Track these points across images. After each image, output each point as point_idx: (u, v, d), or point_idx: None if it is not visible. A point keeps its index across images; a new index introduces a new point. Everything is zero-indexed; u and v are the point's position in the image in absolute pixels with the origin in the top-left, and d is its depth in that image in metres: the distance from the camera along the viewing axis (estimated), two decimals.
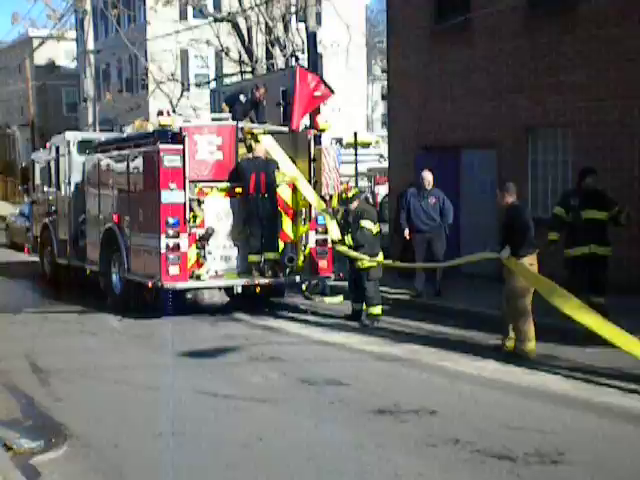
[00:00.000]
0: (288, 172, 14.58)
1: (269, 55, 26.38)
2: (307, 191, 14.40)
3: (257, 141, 14.85)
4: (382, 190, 28.37)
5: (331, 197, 14.74)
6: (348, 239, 13.53)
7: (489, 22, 16.84)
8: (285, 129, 15.22)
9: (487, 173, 16.86)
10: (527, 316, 10.85)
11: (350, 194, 13.90)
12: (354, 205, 13.70)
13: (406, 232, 15.12)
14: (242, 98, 15.94)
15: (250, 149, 14.91)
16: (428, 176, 15.14)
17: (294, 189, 14.72)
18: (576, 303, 10.11)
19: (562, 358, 10.66)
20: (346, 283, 14.71)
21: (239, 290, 14.41)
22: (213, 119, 15.25)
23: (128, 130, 17.47)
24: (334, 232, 13.92)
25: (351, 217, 13.65)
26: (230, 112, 15.76)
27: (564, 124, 15.56)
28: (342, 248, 13.66)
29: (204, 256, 14.23)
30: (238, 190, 14.51)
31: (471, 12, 17.23)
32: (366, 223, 13.43)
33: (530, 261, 10.86)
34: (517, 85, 16.40)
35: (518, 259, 10.74)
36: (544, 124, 16.01)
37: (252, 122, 15.42)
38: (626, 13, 14.36)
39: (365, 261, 13.33)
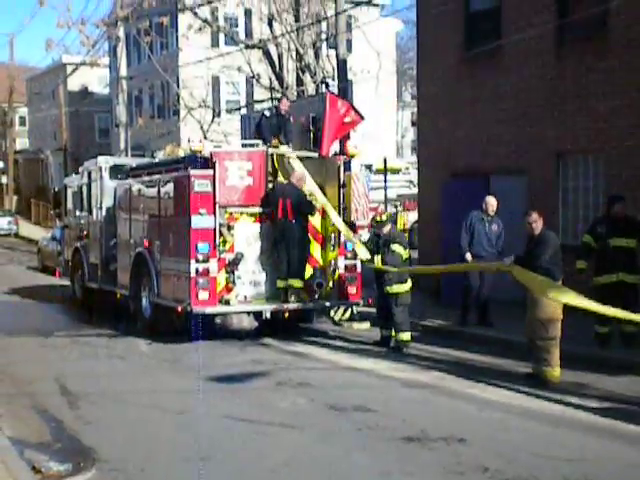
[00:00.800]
0: (318, 198, 14.61)
1: (299, 81, 26.53)
2: (336, 218, 14.42)
3: (290, 165, 14.89)
4: (412, 216, 28.39)
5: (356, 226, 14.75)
6: (377, 260, 13.49)
7: (519, 48, 16.84)
8: (315, 155, 15.27)
9: (517, 200, 16.78)
10: (554, 342, 10.81)
11: (384, 217, 13.91)
12: (386, 229, 13.69)
13: (468, 256, 14.56)
14: (267, 113, 16.06)
15: (276, 174, 14.97)
16: (492, 201, 14.78)
17: (323, 214, 14.76)
18: (573, 294, 9.95)
19: (592, 386, 10.56)
20: (374, 309, 14.68)
21: (268, 315, 14.43)
22: (243, 145, 15.36)
23: (159, 155, 17.63)
24: (362, 253, 13.88)
25: (382, 241, 13.65)
26: (257, 132, 15.87)
27: (595, 150, 15.49)
28: (372, 265, 13.59)
29: (233, 281, 14.28)
30: (267, 215, 14.58)
31: (501, 38, 17.25)
32: (397, 247, 13.43)
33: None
34: (547, 111, 16.36)
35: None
36: (575, 150, 15.95)
37: (280, 143, 15.45)
38: None
39: (394, 286, 13.30)
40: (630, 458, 7.84)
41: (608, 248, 12.20)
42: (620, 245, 12.19)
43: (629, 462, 7.71)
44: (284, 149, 15.28)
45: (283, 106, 15.99)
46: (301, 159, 15.25)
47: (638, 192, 14.35)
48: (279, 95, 26.90)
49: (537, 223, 11.28)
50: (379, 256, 13.53)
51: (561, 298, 10.07)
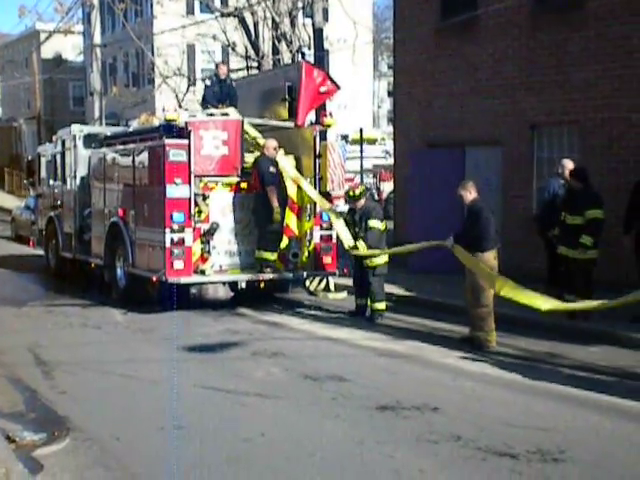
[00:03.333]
0: (289, 172, 14.53)
1: (275, 50, 26.34)
2: (311, 191, 14.40)
3: (259, 145, 14.90)
4: (387, 187, 28.42)
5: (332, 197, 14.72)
6: (360, 244, 13.45)
7: (495, 19, 16.82)
8: (291, 125, 15.21)
9: (492, 170, 16.84)
10: (487, 310, 11.21)
11: (357, 192, 13.88)
12: (360, 203, 13.67)
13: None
14: (208, 82, 16.11)
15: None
16: (570, 165, 13.28)
17: (299, 185, 14.72)
18: (511, 285, 10.40)
19: (565, 357, 10.67)
20: (350, 279, 14.72)
21: (243, 285, 14.45)
22: (208, 114, 15.25)
23: (134, 124, 17.50)
24: (346, 239, 13.76)
25: (358, 215, 13.64)
26: (203, 103, 15.94)
27: (570, 121, 15.53)
28: (360, 252, 13.54)
29: (208, 251, 14.26)
30: (243, 185, 14.54)
31: (478, 9, 17.20)
32: (374, 223, 13.42)
33: (493, 255, 11.27)
34: (523, 82, 16.37)
35: (481, 253, 11.17)
36: (550, 121, 15.98)
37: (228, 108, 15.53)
38: (633, 10, 14.32)
39: (376, 259, 13.33)
40: (603, 428, 7.92)
41: (562, 222, 12.49)
42: (563, 220, 12.42)
43: (602, 432, 7.79)
44: (259, 120, 15.25)
45: (222, 71, 16.16)
46: (277, 129, 15.22)
47: (613, 163, 14.44)
48: (255, 64, 26.76)
49: (466, 194, 11.55)
50: (360, 239, 13.45)
51: (499, 291, 10.57)
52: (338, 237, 14.68)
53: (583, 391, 9.12)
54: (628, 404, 8.64)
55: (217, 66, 16.75)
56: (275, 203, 13.95)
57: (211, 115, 15.15)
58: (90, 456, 7.22)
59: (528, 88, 16.26)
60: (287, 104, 15.40)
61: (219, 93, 15.69)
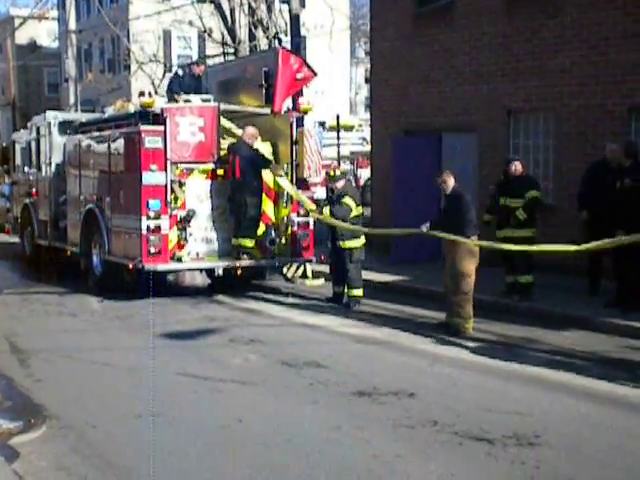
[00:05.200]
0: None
1: (252, 37, 26.19)
2: (285, 182, 14.42)
3: (234, 135, 14.86)
4: (365, 173, 28.40)
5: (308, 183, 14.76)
6: (326, 211, 13.47)
7: (471, 5, 16.83)
8: (267, 111, 15.17)
9: (468, 157, 16.88)
10: (467, 297, 11.28)
11: (337, 172, 13.92)
12: (339, 184, 13.66)
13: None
14: (180, 72, 16.04)
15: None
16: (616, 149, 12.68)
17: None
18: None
19: (542, 342, 10.74)
20: (327, 266, 14.73)
21: (220, 272, 14.40)
22: (185, 100, 15.18)
23: (109, 111, 17.38)
24: (307, 203, 13.90)
25: (335, 196, 13.64)
26: (168, 90, 15.91)
27: (546, 108, 15.59)
28: (318, 215, 13.61)
29: (185, 238, 14.22)
30: (220, 172, 14.49)
31: None
32: (347, 200, 13.42)
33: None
34: (499, 69, 16.40)
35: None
36: (526, 108, 16.02)
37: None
38: None
39: (347, 241, 13.34)
40: (578, 411, 7.99)
41: (499, 206, 13.08)
42: (504, 204, 12.95)
43: (577, 416, 7.86)
44: (235, 107, 15.20)
45: (197, 69, 16.10)
46: (254, 115, 15.18)
47: (588, 150, 14.49)
48: (231, 50, 26.64)
49: (447, 182, 11.66)
50: (328, 207, 13.51)
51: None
52: (315, 223, 14.71)
53: (558, 375, 9.20)
54: (602, 388, 8.72)
55: (195, 63, 16.63)
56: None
57: (188, 102, 15.08)
58: (67, 444, 7.21)
59: (504, 74, 16.29)
60: (264, 90, 15.34)
61: (186, 85, 15.66)
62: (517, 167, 13.05)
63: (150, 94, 14.75)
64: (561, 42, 15.10)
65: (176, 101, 15.10)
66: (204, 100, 15.26)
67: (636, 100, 13.96)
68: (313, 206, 13.89)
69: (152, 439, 7.16)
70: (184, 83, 15.71)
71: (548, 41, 15.36)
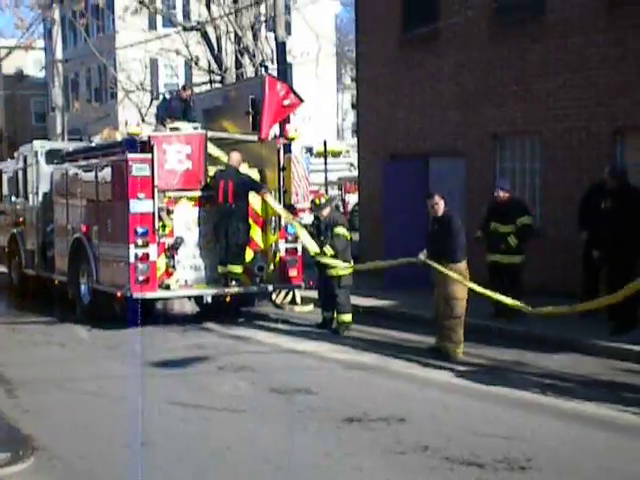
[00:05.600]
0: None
1: (238, 64, 26.30)
2: (275, 204, 14.40)
3: (221, 163, 14.90)
4: (352, 198, 28.47)
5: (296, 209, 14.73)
6: (328, 249, 13.42)
7: (457, 31, 16.94)
8: (254, 138, 15.20)
9: (455, 181, 16.92)
10: (458, 321, 11.26)
11: (322, 200, 13.92)
12: (326, 212, 13.68)
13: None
14: (167, 96, 16.14)
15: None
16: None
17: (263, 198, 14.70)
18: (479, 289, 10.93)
19: (530, 365, 10.73)
20: (316, 292, 14.70)
21: (209, 300, 14.36)
22: (171, 129, 15.20)
23: (96, 139, 17.41)
24: (311, 246, 13.76)
25: (323, 225, 13.64)
26: (156, 115, 16.05)
27: (531, 132, 15.67)
28: (324, 259, 13.48)
29: (173, 266, 14.19)
30: (207, 199, 14.49)
31: (439, 21, 17.32)
32: (340, 229, 13.43)
33: (464, 266, 11.40)
34: (485, 93, 16.50)
35: (454, 264, 11.24)
36: (512, 132, 16.11)
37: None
38: (590, 21, 14.48)
39: (340, 269, 13.30)
40: (568, 435, 7.98)
41: (489, 231, 13.24)
42: (494, 229, 13.12)
43: (567, 439, 7.84)
44: (223, 135, 15.24)
45: (184, 93, 16.31)
46: (241, 142, 15.21)
47: (574, 173, 14.57)
48: (218, 78, 26.73)
49: (439, 205, 11.63)
50: (328, 245, 13.42)
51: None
52: (304, 249, 14.67)
53: (547, 399, 9.19)
54: (592, 411, 8.71)
55: (183, 87, 16.82)
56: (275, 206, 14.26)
57: (176, 129, 15.11)
58: (55, 475, 7.15)
59: (489, 99, 16.39)
60: (250, 118, 15.38)
61: (174, 109, 15.76)
62: (501, 195, 13.20)
63: (138, 123, 14.80)
64: (545, 66, 15.21)
65: (164, 126, 15.14)
66: (193, 127, 15.30)
67: (620, 123, 14.06)
68: (317, 248, 13.55)
69: (141, 468, 7.11)
70: (172, 107, 15.79)
71: (532, 65, 15.47)
